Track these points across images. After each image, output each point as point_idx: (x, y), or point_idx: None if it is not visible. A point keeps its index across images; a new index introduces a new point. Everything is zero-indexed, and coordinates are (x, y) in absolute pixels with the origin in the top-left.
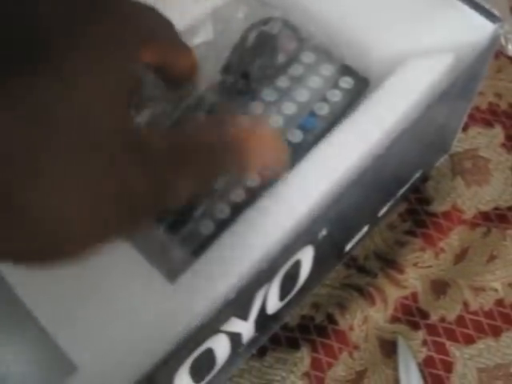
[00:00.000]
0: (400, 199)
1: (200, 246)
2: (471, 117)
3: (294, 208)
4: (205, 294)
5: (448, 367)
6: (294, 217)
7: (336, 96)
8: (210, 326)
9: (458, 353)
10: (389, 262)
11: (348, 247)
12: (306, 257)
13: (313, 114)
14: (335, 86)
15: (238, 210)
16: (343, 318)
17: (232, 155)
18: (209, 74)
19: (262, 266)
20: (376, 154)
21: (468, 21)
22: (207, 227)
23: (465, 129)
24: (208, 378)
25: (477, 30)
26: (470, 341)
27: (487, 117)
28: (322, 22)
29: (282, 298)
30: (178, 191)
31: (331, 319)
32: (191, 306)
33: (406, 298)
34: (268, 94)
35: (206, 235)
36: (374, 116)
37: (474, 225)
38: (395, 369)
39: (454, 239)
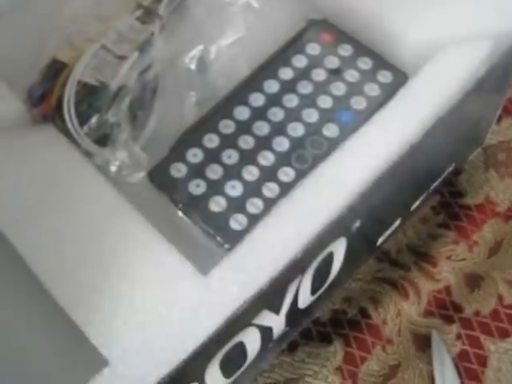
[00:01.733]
0: (432, 192)
1: (233, 239)
2: (505, 109)
3: (328, 198)
4: (237, 285)
5: (483, 361)
6: (328, 207)
7: (374, 90)
8: (243, 319)
9: (493, 347)
10: (422, 255)
11: (380, 241)
12: (339, 249)
13: (349, 108)
14: (373, 80)
15: (270, 203)
16: (376, 312)
17: None
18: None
19: (295, 257)
20: (412, 144)
21: (506, 7)
22: (240, 220)
23: (498, 121)
24: (238, 373)
25: None
26: (504, 335)
27: None
28: (357, 14)
29: (313, 291)
30: None
31: (364, 313)
32: (224, 298)
33: (439, 291)
34: (303, 87)
35: (239, 228)
36: (410, 106)
37: (507, 217)
38: (429, 363)
39: (488, 232)
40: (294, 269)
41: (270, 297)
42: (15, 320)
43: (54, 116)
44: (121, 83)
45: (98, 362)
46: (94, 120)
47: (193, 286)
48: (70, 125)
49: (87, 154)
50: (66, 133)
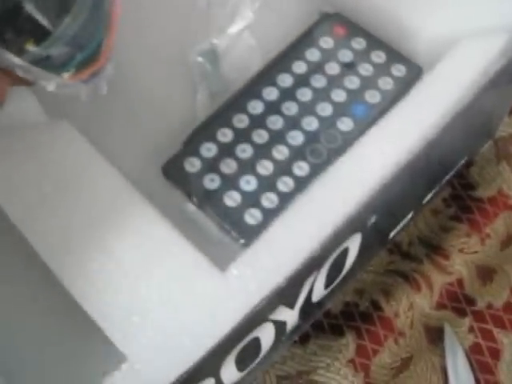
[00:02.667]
0: (444, 185)
1: (248, 234)
2: None
3: (345, 194)
4: (255, 282)
5: (495, 354)
6: (346, 203)
7: (388, 84)
8: (260, 315)
9: (506, 340)
10: (434, 248)
11: (392, 234)
12: (354, 245)
13: (364, 102)
14: (387, 73)
15: (285, 198)
16: (388, 305)
17: None
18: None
19: (312, 254)
20: (430, 138)
21: None
22: (255, 215)
23: (509, 113)
24: (251, 366)
25: None
26: None
27: None
28: (370, 7)
29: (327, 286)
30: None
31: (376, 306)
32: (242, 295)
33: (451, 284)
34: (317, 81)
35: (253, 223)
36: (428, 100)
37: None
38: (441, 356)
39: (500, 224)
40: (311, 265)
41: (286, 292)
42: (32, 316)
43: None
44: None
45: (116, 358)
46: None
47: (211, 282)
48: None
49: None
50: None
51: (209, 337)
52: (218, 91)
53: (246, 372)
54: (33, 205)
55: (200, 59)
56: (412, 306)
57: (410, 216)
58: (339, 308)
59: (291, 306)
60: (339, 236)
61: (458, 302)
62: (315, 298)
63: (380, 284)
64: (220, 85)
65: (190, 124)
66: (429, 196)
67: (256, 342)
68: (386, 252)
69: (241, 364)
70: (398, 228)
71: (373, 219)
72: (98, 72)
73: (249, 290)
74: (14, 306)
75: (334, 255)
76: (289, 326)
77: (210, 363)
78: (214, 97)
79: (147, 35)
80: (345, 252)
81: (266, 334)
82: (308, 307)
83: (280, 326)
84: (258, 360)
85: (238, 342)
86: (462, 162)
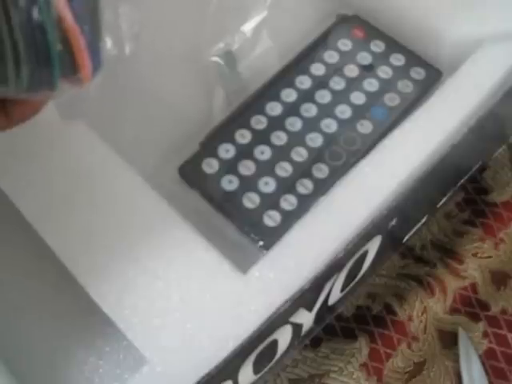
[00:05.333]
0: (458, 189)
1: (267, 236)
2: None
3: (368, 197)
4: (277, 284)
5: (510, 359)
6: (369, 206)
7: (407, 87)
8: (282, 317)
9: None
10: (447, 252)
11: (406, 238)
12: (373, 247)
13: (383, 104)
14: (406, 76)
15: (304, 199)
16: (401, 309)
17: None
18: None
19: (335, 256)
20: (449, 143)
21: None
22: (273, 217)
23: None
24: (266, 369)
25: None
26: None
27: None
28: (390, 10)
29: (342, 289)
30: None
31: (389, 309)
32: (264, 297)
33: (465, 288)
34: (336, 83)
35: (272, 225)
36: (448, 104)
37: None
38: (455, 360)
39: None
40: (333, 267)
41: (308, 295)
42: (49, 318)
43: None
44: None
45: (137, 360)
46: None
47: (232, 284)
48: None
49: None
50: None
51: (230, 339)
52: (235, 92)
53: (260, 375)
54: (48, 204)
55: (217, 59)
56: (425, 310)
57: (423, 220)
58: (351, 311)
59: (310, 308)
60: (362, 238)
61: (471, 306)
62: (331, 301)
63: (393, 288)
64: (237, 85)
65: (207, 124)
66: (443, 200)
67: (274, 345)
68: (399, 256)
69: (257, 367)
70: (412, 232)
71: (393, 222)
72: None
73: (271, 293)
74: (30, 308)
75: (355, 257)
76: (304, 329)
77: (230, 366)
78: (231, 97)
79: (164, 36)
80: (364, 255)
81: (283, 337)
82: (323, 311)
83: (297, 328)
84: (272, 363)
85: (258, 344)
86: (476, 166)
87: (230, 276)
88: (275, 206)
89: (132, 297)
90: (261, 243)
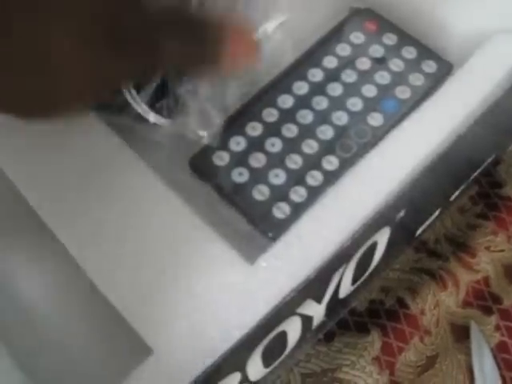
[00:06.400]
0: (471, 183)
1: (277, 228)
2: None
3: (375, 187)
4: (284, 274)
5: None
6: (376, 196)
7: (418, 80)
8: (288, 308)
9: None
10: (460, 246)
11: (419, 231)
12: (382, 239)
13: (394, 97)
14: (418, 69)
15: (314, 192)
16: (414, 302)
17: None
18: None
19: (342, 246)
20: (458, 135)
21: None
22: (283, 209)
23: None
24: (276, 362)
25: None
26: None
27: None
28: (402, 2)
29: (354, 281)
30: (165, 52)
31: (402, 303)
32: (271, 287)
33: (477, 282)
34: (348, 76)
35: (282, 217)
36: (459, 95)
37: None
38: (467, 354)
39: None
40: (341, 258)
41: (315, 286)
42: (58, 308)
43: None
44: None
45: (142, 350)
46: (151, 89)
47: (239, 274)
48: (128, 96)
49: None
50: (120, 109)
51: (236, 329)
52: (248, 84)
53: (270, 368)
54: (58, 196)
55: None
56: (438, 304)
57: (436, 214)
58: (364, 306)
59: (319, 300)
60: (368, 229)
61: (484, 300)
62: (342, 294)
63: (406, 282)
64: (249, 78)
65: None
66: (456, 194)
67: (283, 337)
68: (412, 250)
69: (267, 359)
70: (425, 226)
71: (402, 213)
72: None
73: (278, 282)
74: (40, 301)
75: (363, 249)
76: (315, 322)
77: (237, 356)
78: (243, 90)
79: None
80: (373, 246)
81: (292, 329)
82: (334, 304)
83: (307, 320)
84: (283, 356)
85: (265, 334)
86: (490, 160)
87: (236, 266)
88: (285, 197)
89: (138, 287)
90: (270, 234)
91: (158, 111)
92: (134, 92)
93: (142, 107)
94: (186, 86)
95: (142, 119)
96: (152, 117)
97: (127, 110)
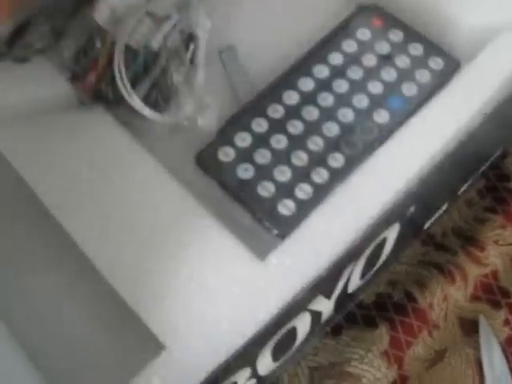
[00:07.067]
0: (479, 177)
1: (282, 224)
2: None
3: (385, 184)
4: (295, 270)
5: None
6: (386, 193)
7: (425, 77)
8: (300, 304)
9: None
10: (468, 239)
11: (427, 225)
12: (392, 235)
13: (400, 94)
14: (424, 66)
15: (319, 189)
16: (422, 296)
17: None
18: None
19: (352, 243)
20: (467, 130)
21: None
22: (288, 205)
23: None
24: (285, 357)
25: None
26: None
27: None
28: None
29: (362, 276)
30: None
31: (410, 297)
32: (282, 283)
33: (486, 276)
34: (354, 72)
35: (287, 213)
36: (465, 91)
37: None
38: (476, 348)
39: None
40: (351, 254)
41: (325, 282)
42: (69, 305)
43: (100, 88)
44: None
45: (155, 346)
46: (146, 83)
47: (250, 271)
48: (124, 91)
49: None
50: (117, 102)
51: (248, 325)
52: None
53: (279, 362)
54: (68, 191)
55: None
56: (446, 298)
57: (444, 207)
58: (372, 299)
59: (328, 296)
60: (380, 225)
61: (492, 294)
62: (351, 288)
63: (414, 275)
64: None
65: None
66: (463, 187)
67: (293, 332)
68: (420, 243)
69: (276, 354)
70: (433, 219)
71: (412, 209)
72: None
73: (288, 279)
74: (50, 296)
75: (373, 245)
76: (324, 317)
77: (249, 352)
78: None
79: None
80: (383, 242)
81: (302, 324)
82: (343, 298)
83: (316, 316)
84: (292, 351)
85: (276, 330)
86: (498, 153)
87: (248, 263)
88: (290, 194)
89: (150, 283)
90: (275, 232)
91: (154, 105)
92: (129, 87)
93: (137, 103)
94: (178, 76)
95: (137, 113)
96: (147, 112)
97: (123, 104)
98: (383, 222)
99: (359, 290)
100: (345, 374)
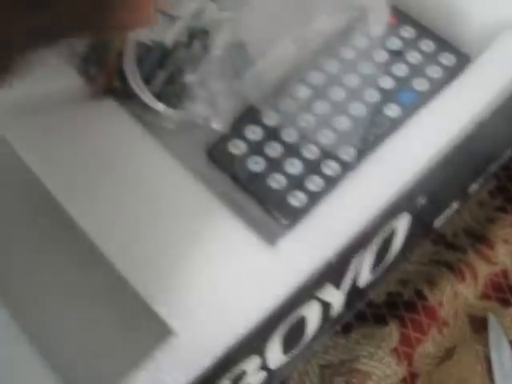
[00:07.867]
0: (490, 177)
1: (292, 216)
2: None
3: (394, 173)
4: (304, 256)
5: None
6: (395, 182)
7: (436, 72)
8: (308, 290)
9: None
10: (478, 238)
11: (436, 223)
12: (402, 226)
13: (411, 89)
14: (435, 62)
15: (331, 181)
16: (432, 294)
17: None
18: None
19: (361, 229)
20: (475, 124)
21: None
22: (299, 197)
23: None
24: (295, 350)
25: None
26: None
27: None
28: None
29: (372, 269)
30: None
31: (420, 295)
32: (291, 269)
33: (496, 274)
34: (365, 67)
35: (298, 205)
36: (474, 86)
37: None
38: (485, 345)
39: None
40: (360, 241)
41: (334, 269)
42: (79, 292)
43: (112, 83)
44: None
45: (163, 331)
46: (160, 79)
47: (260, 256)
48: (135, 86)
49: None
50: (129, 98)
51: (257, 311)
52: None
53: (289, 356)
54: (79, 183)
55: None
56: (456, 296)
57: (454, 206)
58: (382, 298)
59: (337, 285)
60: (388, 213)
61: (502, 292)
62: (361, 283)
63: (424, 274)
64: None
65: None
66: (474, 186)
67: (302, 322)
68: (431, 243)
69: (286, 346)
70: (442, 217)
71: (421, 200)
72: None
73: (297, 264)
74: (62, 286)
75: (382, 235)
76: (333, 310)
77: (257, 339)
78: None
79: None
80: (392, 233)
81: (311, 314)
82: (353, 294)
83: (326, 307)
84: (301, 345)
85: (285, 317)
86: (508, 153)
87: (257, 248)
88: (301, 186)
89: (159, 270)
90: (284, 221)
91: (167, 100)
92: (141, 83)
93: (149, 98)
94: (193, 75)
95: (149, 108)
96: (161, 107)
97: (135, 99)
98: (392, 210)
99: (370, 286)
100: (354, 370)
